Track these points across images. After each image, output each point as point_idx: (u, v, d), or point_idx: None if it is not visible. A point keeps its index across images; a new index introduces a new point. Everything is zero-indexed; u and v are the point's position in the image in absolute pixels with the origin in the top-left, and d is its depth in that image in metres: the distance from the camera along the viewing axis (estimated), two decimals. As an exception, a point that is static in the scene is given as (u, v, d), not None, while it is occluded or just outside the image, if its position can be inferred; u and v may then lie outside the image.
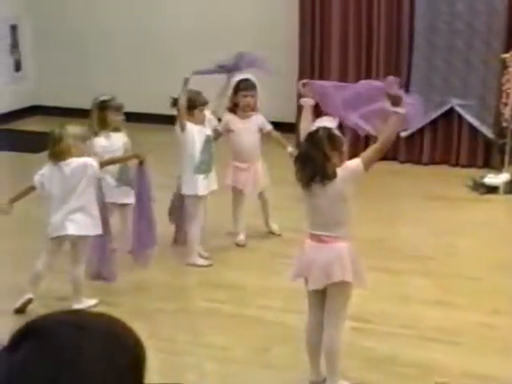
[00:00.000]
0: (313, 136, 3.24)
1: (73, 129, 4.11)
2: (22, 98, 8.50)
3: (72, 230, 4.09)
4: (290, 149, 4.96)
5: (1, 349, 1.02)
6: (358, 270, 3.29)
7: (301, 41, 7.36)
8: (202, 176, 4.74)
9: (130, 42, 8.21)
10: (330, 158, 3.18)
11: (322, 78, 7.25)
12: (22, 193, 4.21)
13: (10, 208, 4.17)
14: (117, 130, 4.70)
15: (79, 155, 4.08)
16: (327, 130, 3.22)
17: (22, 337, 1.02)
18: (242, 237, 5.14)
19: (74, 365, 0.99)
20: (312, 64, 7.32)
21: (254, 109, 5.07)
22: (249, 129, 5.06)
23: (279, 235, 5.27)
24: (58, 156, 4.06)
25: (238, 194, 5.16)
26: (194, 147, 4.70)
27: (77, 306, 4.07)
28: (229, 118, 5.07)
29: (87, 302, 4.18)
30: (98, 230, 4.19)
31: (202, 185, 4.74)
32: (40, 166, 4.19)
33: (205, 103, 4.72)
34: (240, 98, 5.00)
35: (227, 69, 4.97)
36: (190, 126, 4.66)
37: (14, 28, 8.40)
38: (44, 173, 4.12)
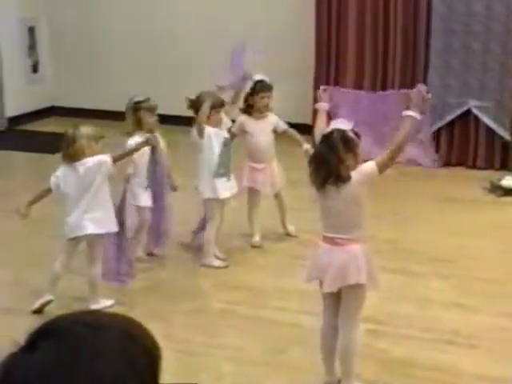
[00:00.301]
0: (327, 138, 3.24)
1: (86, 129, 4.12)
2: (39, 99, 8.55)
3: (91, 229, 4.10)
4: (306, 146, 4.97)
5: (18, 349, 1.02)
6: (371, 271, 3.28)
7: (317, 42, 7.35)
8: (223, 179, 4.74)
9: (147, 43, 8.24)
10: (344, 160, 3.18)
11: (337, 78, 7.25)
12: (38, 195, 4.23)
13: (29, 211, 4.19)
14: (151, 131, 4.61)
15: (93, 155, 4.10)
16: (341, 131, 3.22)
17: (40, 337, 1.03)
18: (257, 238, 5.14)
19: (91, 365, 0.99)
20: (328, 64, 7.31)
21: (268, 109, 5.10)
22: (264, 129, 5.07)
23: (295, 236, 5.26)
24: (72, 157, 4.08)
25: (253, 195, 5.16)
26: (213, 151, 4.70)
27: (94, 307, 4.08)
28: (243, 119, 5.08)
29: (104, 303, 4.19)
30: (115, 227, 4.20)
31: (223, 188, 4.74)
32: (57, 166, 4.22)
33: (222, 105, 4.71)
34: (258, 100, 5.01)
35: (243, 77, 4.96)
36: (208, 130, 4.66)
37: (31, 30, 8.45)
38: (59, 174, 4.13)
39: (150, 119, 4.62)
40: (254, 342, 3.90)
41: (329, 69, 7.31)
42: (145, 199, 4.63)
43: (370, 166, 3.23)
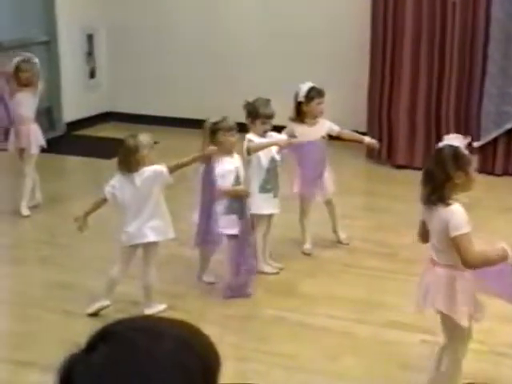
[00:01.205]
0: (438, 154, 3.12)
1: (145, 138, 4.11)
2: (96, 104, 8.69)
3: (152, 236, 4.12)
4: (367, 139, 4.95)
5: (78, 350, 1.05)
6: (455, 300, 3.10)
7: (372, 48, 7.31)
8: (269, 195, 4.68)
9: (204, 48, 8.29)
10: (452, 178, 3.04)
11: (392, 85, 7.17)
12: (94, 206, 4.19)
13: (85, 222, 4.15)
14: (230, 152, 4.42)
15: (150, 164, 4.11)
16: (453, 148, 3.08)
17: (99, 340, 1.05)
18: (308, 245, 5.13)
19: (146, 370, 1.01)
20: (383, 70, 7.24)
21: (322, 114, 5.10)
22: (316, 135, 5.05)
23: (347, 244, 5.23)
24: (131, 167, 4.06)
25: (305, 201, 5.16)
26: (261, 165, 4.66)
27: (148, 311, 4.12)
28: (294, 125, 5.05)
29: (157, 307, 4.23)
30: (172, 234, 4.22)
31: (267, 204, 4.69)
32: (113, 171, 4.25)
33: (270, 117, 4.65)
34: (314, 106, 5.00)
35: None
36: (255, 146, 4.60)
37: (90, 37, 8.61)
38: (114, 184, 4.11)
39: (230, 139, 4.40)
40: (305, 349, 3.89)
41: (383, 75, 7.24)
42: (224, 225, 4.40)
43: (459, 232, 3.03)
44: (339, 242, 5.26)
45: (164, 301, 4.32)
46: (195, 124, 8.14)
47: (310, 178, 5.04)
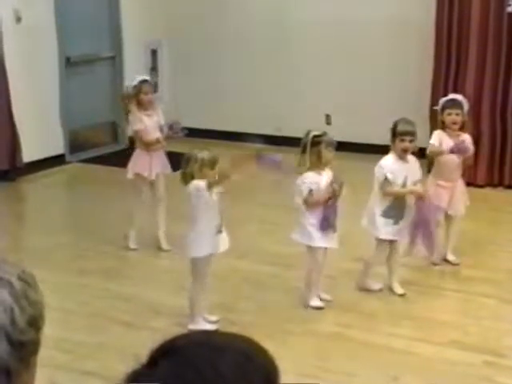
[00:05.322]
0: None
1: (201, 154, 4.11)
2: (158, 119, 8.80)
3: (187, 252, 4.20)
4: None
5: (140, 366, 1.05)
6: None
7: (436, 58, 7.23)
8: (389, 221, 4.55)
9: (268, 64, 8.32)
10: None
11: (456, 88, 7.06)
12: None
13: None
14: (322, 167, 4.43)
15: (203, 179, 4.08)
16: None
17: (160, 355, 1.05)
18: (453, 257, 5.07)
19: None
20: (446, 84, 7.15)
21: (462, 128, 5.01)
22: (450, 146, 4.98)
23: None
24: (183, 179, 4.14)
25: (447, 216, 5.07)
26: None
27: (190, 326, 4.08)
28: (440, 133, 5.01)
29: (200, 324, 4.16)
30: (197, 253, 4.15)
31: (386, 231, 4.59)
32: (173, 183, 4.29)
33: (405, 133, 4.60)
34: (445, 116, 4.96)
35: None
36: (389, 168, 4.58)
37: (154, 52, 8.75)
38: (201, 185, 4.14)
39: (329, 154, 4.42)
40: (365, 367, 3.83)
41: (446, 90, 7.14)
42: (318, 240, 4.42)
43: None
44: (446, 260, 5.11)
45: (222, 314, 4.31)
46: (259, 139, 8.20)
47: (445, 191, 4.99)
